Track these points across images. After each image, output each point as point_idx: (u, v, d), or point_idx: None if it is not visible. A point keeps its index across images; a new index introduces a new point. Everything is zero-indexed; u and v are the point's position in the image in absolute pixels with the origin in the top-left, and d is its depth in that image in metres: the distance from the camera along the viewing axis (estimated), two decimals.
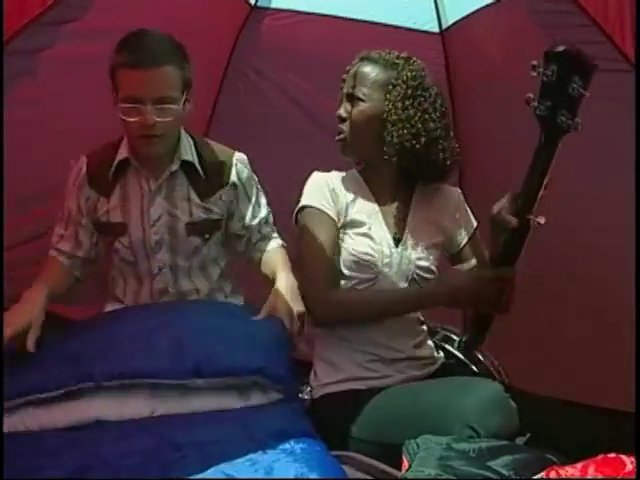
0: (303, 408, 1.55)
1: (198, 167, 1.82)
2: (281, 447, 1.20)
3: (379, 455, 1.45)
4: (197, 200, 1.82)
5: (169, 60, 1.69)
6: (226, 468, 1.12)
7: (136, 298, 1.88)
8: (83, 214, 1.83)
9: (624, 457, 1.17)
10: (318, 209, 1.70)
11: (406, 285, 1.70)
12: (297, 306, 1.65)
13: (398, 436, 1.38)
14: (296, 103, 2.59)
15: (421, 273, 1.72)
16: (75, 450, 1.22)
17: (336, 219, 1.70)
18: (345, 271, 1.69)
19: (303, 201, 1.73)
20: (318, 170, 1.78)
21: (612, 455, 1.19)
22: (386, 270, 1.69)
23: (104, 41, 2.10)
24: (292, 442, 1.22)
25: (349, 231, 1.71)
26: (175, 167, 1.81)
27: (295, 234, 1.75)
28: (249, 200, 1.89)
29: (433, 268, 1.74)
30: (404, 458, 1.30)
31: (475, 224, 1.81)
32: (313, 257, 1.67)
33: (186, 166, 1.82)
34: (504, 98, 2.15)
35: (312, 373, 1.73)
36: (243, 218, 1.89)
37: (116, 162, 1.81)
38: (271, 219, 1.94)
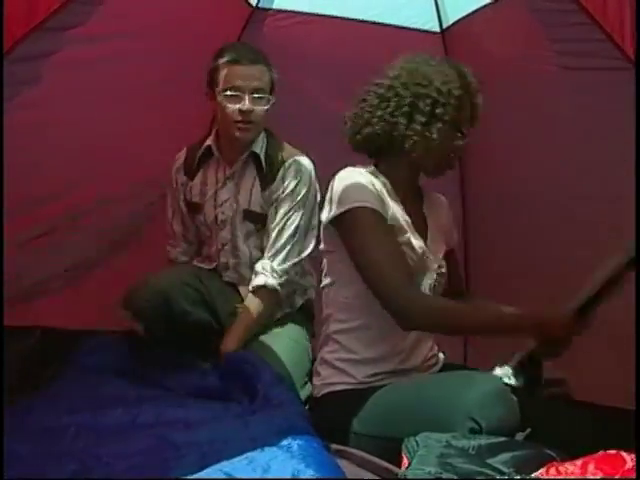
0: (304, 410, 1.56)
1: (262, 159, 2.07)
2: (279, 444, 1.20)
3: (381, 449, 1.45)
4: (259, 190, 2.07)
5: (262, 61, 2.06)
6: (224, 466, 1.12)
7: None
8: (179, 198, 2.17)
9: (624, 454, 1.17)
10: (371, 209, 1.56)
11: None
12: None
13: (400, 429, 1.39)
14: (297, 103, 2.59)
15: (440, 280, 1.70)
16: (75, 451, 1.23)
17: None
18: None
19: (351, 203, 1.57)
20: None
21: (612, 452, 1.19)
22: (416, 280, 1.64)
23: (107, 45, 2.14)
24: (290, 439, 1.22)
25: None
26: (244, 156, 2.07)
27: (346, 239, 1.58)
28: (284, 205, 2.04)
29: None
30: (404, 456, 1.30)
31: (457, 238, 1.83)
32: (387, 260, 1.54)
33: (255, 157, 2.07)
34: (504, 97, 2.16)
35: (314, 371, 1.71)
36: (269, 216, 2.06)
37: (202, 149, 2.13)
38: (290, 261, 2.05)
